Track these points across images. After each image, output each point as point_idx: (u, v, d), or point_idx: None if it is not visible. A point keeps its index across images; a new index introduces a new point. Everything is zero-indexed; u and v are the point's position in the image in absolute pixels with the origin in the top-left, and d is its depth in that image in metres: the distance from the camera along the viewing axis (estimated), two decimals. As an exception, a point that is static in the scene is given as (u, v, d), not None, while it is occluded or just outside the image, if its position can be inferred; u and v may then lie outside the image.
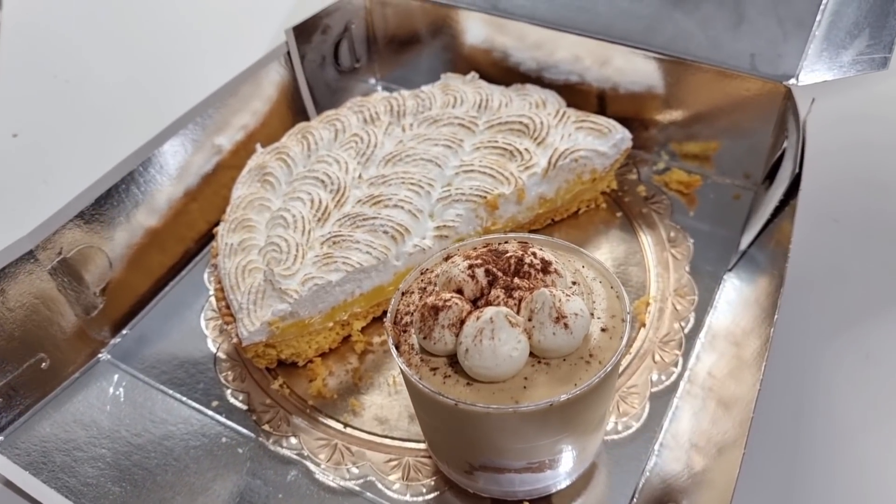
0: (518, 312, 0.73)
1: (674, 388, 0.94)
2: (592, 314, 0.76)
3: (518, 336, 0.70)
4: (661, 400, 0.93)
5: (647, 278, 1.06)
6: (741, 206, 1.15)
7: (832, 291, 1.04)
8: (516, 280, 0.75)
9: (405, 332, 0.78)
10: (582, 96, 1.23)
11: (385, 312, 1.05)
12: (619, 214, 1.16)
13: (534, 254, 0.77)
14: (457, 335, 0.72)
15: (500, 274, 0.75)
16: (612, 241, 1.12)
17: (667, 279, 1.05)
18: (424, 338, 0.73)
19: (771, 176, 1.07)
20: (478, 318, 0.71)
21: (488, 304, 0.73)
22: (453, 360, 0.73)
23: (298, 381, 0.98)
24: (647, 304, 1.02)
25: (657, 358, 0.96)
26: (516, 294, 0.74)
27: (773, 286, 0.95)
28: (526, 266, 0.76)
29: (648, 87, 1.19)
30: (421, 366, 0.74)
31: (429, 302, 0.74)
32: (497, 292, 0.74)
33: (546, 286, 0.75)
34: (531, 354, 0.72)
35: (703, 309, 1.01)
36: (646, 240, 1.11)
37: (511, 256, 0.77)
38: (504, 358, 0.70)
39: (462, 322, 0.72)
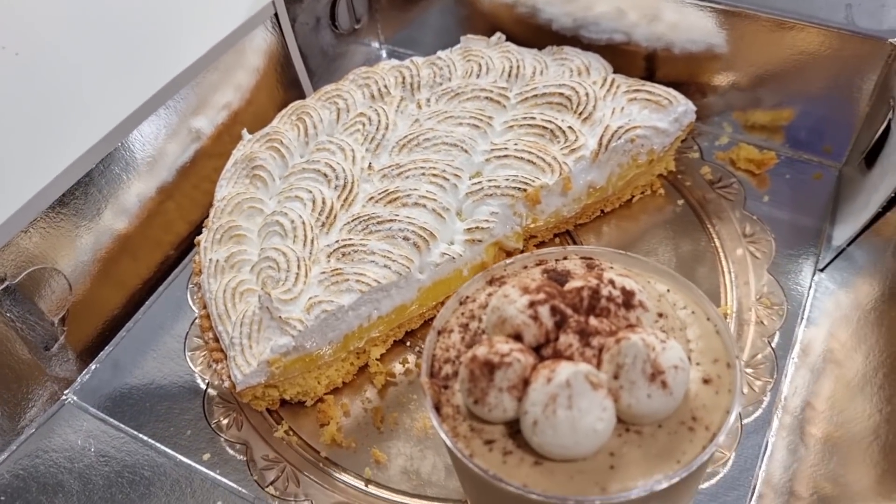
0: (598, 367, 0.55)
1: (766, 422, 0.77)
2: (689, 360, 0.59)
3: (602, 402, 0.53)
4: (753, 439, 0.76)
5: (720, 283, 0.88)
6: (823, 187, 0.97)
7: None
8: (592, 321, 0.57)
9: (447, 388, 0.60)
10: (627, 58, 1.04)
11: (408, 334, 0.88)
12: (680, 202, 0.97)
13: (612, 282, 0.59)
14: (519, 399, 0.55)
15: (570, 312, 0.58)
16: (673, 235, 0.94)
17: (745, 283, 0.87)
18: (476, 402, 0.56)
19: (871, 155, 0.88)
20: (549, 380, 0.53)
21: (557, 354, 0.56)
22: (514, 427, 0.56)
23: (307, 425, 0.81)
24: (725, 315, 0.84)
25: (744, 387, 0.79)
26: (594, 341, 0.56)
27: (879, 289, 0.78)
28: (604, 300, 0.58)
29: (708, 47, 1.00)
30: (471, 437, 0.57)
31: (480, 356, 0.56)
32: (569, 339, 0.56)
33: (630, 325, 0.57)
34: (617, 421, 0.54)
35: (792, 321, 0.84)
36: (715, 233, 0.93)
37: (583, 288, 0.59)
38: (586, 433, 0.53)
39: (526, 382, 0.55)
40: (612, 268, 0.65)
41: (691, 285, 0.64)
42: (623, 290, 0.60)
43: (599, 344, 0.56)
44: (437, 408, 0.59)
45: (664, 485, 0.52)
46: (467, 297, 0.66)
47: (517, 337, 0.57)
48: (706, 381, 0.58)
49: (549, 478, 0.54)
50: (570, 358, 0.55)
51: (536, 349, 0.57)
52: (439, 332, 0.64)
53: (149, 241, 0.96)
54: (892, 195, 0.78)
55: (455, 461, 0.61)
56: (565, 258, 0.68)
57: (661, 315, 0.61)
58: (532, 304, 0.58)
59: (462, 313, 0.65)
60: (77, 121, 1.00)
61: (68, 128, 1.03)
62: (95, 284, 0.89)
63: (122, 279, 0.94)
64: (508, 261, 0.68)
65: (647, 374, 0.54)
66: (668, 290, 0.65)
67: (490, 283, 0.67)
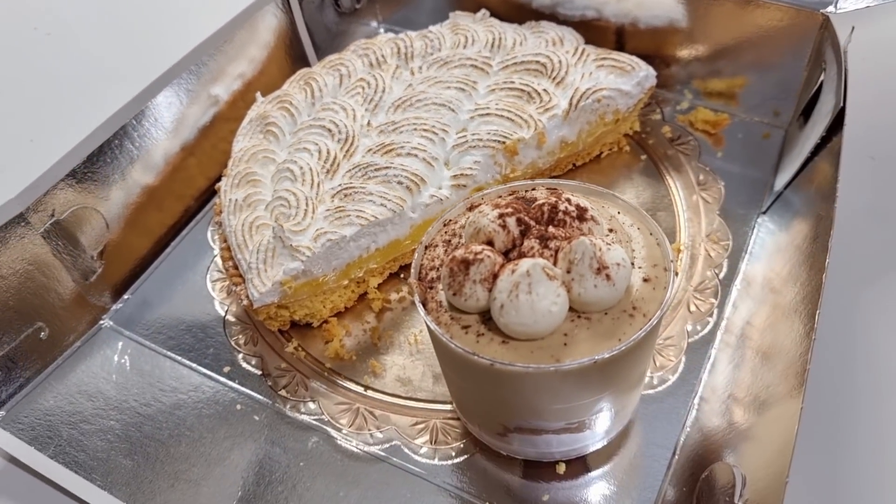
0: (555, 264, 0.67)
1: (710, 338, 0.89)
2: (633, 263, 0.71)
3: (557, 289, 0.65)
4: (698, 352, 0.88)
5: (676, 224, 1.00)
6: (771, 145, 1.09)
7: (873, 233, 0.99)
8: (551, 229, 0.69)
9: (431, 288, 0.72)
10: (599, 33, 1.16)
11: (402, 267, 1.00)
12: (643, 157, 1.10)
13: (568, 200, 0.72)
14: (490, 290, 0.67)
15: (532, 223, 0.70)
16: (637, 185, 1.06)
17: (697, 224, 0.99)
18: (454, 294, 0.68)
19: (806, 112, 1.01)
20: (513, 272, 0.65)
21: (522, 255, 0.68)
22: (486, 316, 0.68)
23: (314, 343, 0.93)
24: (679, 251, 0.97)
25: (692, 308, 0.91)
26: (552, 244, 0.68)
27: (810, 229, 0.90)
28: (560, 213, 0.70)
29: (670, 21, 1.12)
30: (451, 324, 0.69)
31: (458, 255, 0.68)
32: (531, 243, 0.68)
33: (583, 234, 0.69)
34: (570, 309, 0.67)
35: (737, 255, 0.96)
36: (673, 183, 1.05)
37: (544, 204, 0.71)
38: (543, 313, 0.64)
39: (495, 276, 0.67)
40: (574, 195, 0.77)
41: (638, 208, 0.76)
42: (577, 206, 0.72)
43: (556, 247, 0.68)
44: (424, 304, 0.72)
45: (606, 356, 0.64)
46: (450, 220, 0.78)
47: (489, 243, 0.70)
48: (646, 280, 0.70)
49: (513, 353, 0.66)
50: (532, 257, 0.68)
51: (505, 254, 0.70)
52: (426, 247, 0.76)
53: (173, 192, 1.08)
54: (818, 141, 0.90)
55: (439, 346, 0.73)
56: (534, 189, 0.80)
57: (611, 230, 0.73)
58: (501, 216, 0.70)
59: (445, 232, 0.77)
60: (108, 86, 1.13)
61: (100, 93, 1.16)
62: (127, 228, 1.01)
63: (149, 226, 1.05)
64: (486, 191, 0.80)
65: (594, 269, 0.65)
66: (619, 213, 0.77)
67: (469, 209, 0.79)
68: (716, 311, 0.91)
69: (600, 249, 0.66)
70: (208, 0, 1.42)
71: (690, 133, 1.11)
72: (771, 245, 0.96)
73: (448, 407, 0.86)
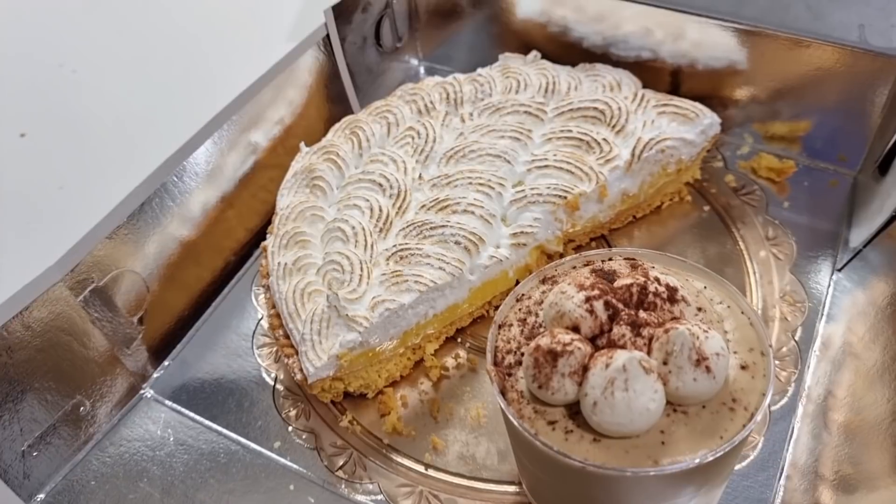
0: (649, 354, 0.62)
1: (791, 409, 0.84)
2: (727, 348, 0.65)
3: (654, 385, 0.60)
4: (779, 425, 0.83)
5: (746, 283, 0.95)
6: (839, 193, 1.04)
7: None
8: (641, 314, 0.64)
9: (510, 375, 0.67)
10: (654, 74, 1.11)
11: (458, 331, 0.95)
12: (706, 208, 1.04)
13: (657, 280, 0.66)
14: (580, 384, 0.62)
15: (621, 307, 0.64)
16: (701, 239, 1.01)
17: (769, 283, 0.94)
18: (540, 387, 0.63)
19: (885, 164, 0.95)
20: (607, 366, 0.60)
21: (612, 344, 0.63)
22: (573, 410, 0.63)
23: (368, 415, 0.88)
24: (752, 313, 0.91)
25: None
26: (644, 332, 0.63)
27: (891, 287, 0.85)
28: (651, 295, 0.65)
29: (730, 63, 1.07)
30: (536, 419, 0.63)
31: (543, 345, 0.63)
32: (622, 330, 0.63)
33: (674, 318, 0.64)
34: (666, 403, 0.61)
35: (813, 317, 0.91)
36: (740, 237, 0.99)
37: (633, 285, 0.66)
38: (640, 412, 0.59)
39: (585, 368, 0.62)
40: (653, 267, 0.72)
41: (725, 282, 0.71)
42: (667, 286, 0.67)
43: (649, 334, 0.63)
44: (503, 393, 0.66)
45: (710, 458, 0.59)
46: (523, 295, 0.73)
47: (575, 329, 0.64)
48: (743, 368, 0.65)
49: (606, 452, 0.61)
50: (623, 346, 0.62)
51: (592, 340, 0.64)
52: (500, 326, 0.71)
53: (212, 246, 1.02)
54: (905, 200, 0.85)
55: (520, 442, 0.68)
56: (610, 259, 0.75)
57: (700, 309, 0.68)
58: (588, 300, 0.65)
59: (520, 309, 0.72)
60: (141, 131, 1.08)
61: (131, 138, 1.10)
62: (164, 288, 0.96)
63: (188, 283, 1.00)
64: (558, 262, 0.75)
65: (693, 360, 0.60)
66: (705, 287, 0.72)
67: (543, 281, 0.74)
68: (794, 381, 0.86)
69: (699, 339, 0.61)
70: (247, 44, 1.37)
71: (754, 182, 1.06)
72: (849, 305, 0.91)
73: (515, 488, 0.80)
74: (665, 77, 1.12)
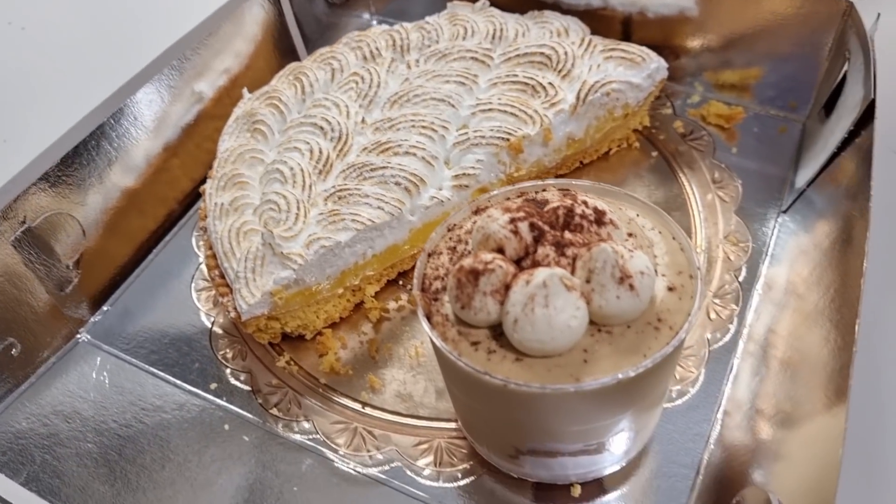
0: (573, 273, 0.61)
1: (732, 347, 0.83)
2: (656, 271, 0.65)
3: (576, 302, 0.59)
4: (719, 362, 0.82)
5: (692, 225, 0.94)
6: (788, 139, 1.03)
7: (897, 231, 0.93)
8: (567, 235, 0.63)
9: (436, 300, 0.66)
10: (605, 23, 1.10)
11: (401, 274, 0.94)
12: (654, 154, 1.04)
13: (584, 203, 0.66)
14: (501, 303, 0.61)
15: (547, 228, 0.64)
16: (648, 184, 1.00)
17: (714, 224, 0.94)
18: (462, 307, 0.62)
19: (828, 105, 0.95)
20: (527, 283, 0.59)
21: (536, 264, 0.62)
22: (497, 331, 0.62)
23: (307, 357, 0.87)
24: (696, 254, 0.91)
25: (712, 314, 0.86)
26: (569, 252, 0.62)
27: (836, 230, 0.85)
28: (577, 217, 0.64)
29: (681, 10, 1.06)
30: (459, 340, 0.63)
31: (466, 265, 0.62)
32: (546, 250, 0.62)
33: (602, 240, 0.63)
34: (590, 322, 0.61)
35: (757, 257, 0.90)
36: (686, 181, 0.99)
37: (559, 207, 0.65)
38: (561, 329, 0.59)
39: (507, 287, 0.61)
40: (591, 197, 0.71)
41: (659, 210, 0.71)
42: (595, 209, 0.66)
43: (573, 254, 0.62)
44: (429, 317, 0.65)
45: (631, 374, 0.58)
46: (455, 225, 0.72)
47: (500, 251, 0.64)
48: (671, 289, 0.64)
49: (528, 371, 0.60)
50: (547, 266, 0.62)
51: (518, 262, 0.63)
52: (429, 255, 0.70)
53: (155, 196, 1.01)
54: (845, 136, 0.85)
55: (446, 367, 0.67)
56: (545, 190, 0.74)
57: (630, 234, 0.67)
58: (513, 221, 0.64)
59: (450, 238, 0.71)
60: (85, 84, 1.06)
61: (78, 91, 1.08)
62: (106, 234, 0.94)
63: (131, 232, 0.99)
64: (492, 193, 0.74)
65: (616, 278, 0.60)
66: (638, 215, 0.71)
67: (475, 212, 0.73)
68: (736, 318, 0.85)
69: (623, 257, 0.60)
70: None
71: (703, 128, 1.05)
72: (793, 247, 0.90)
73: (453, 425, 0.79)
74: (616, 26, 1.11)
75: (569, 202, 0.65)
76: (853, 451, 0.65)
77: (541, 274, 0.59)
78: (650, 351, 0.60)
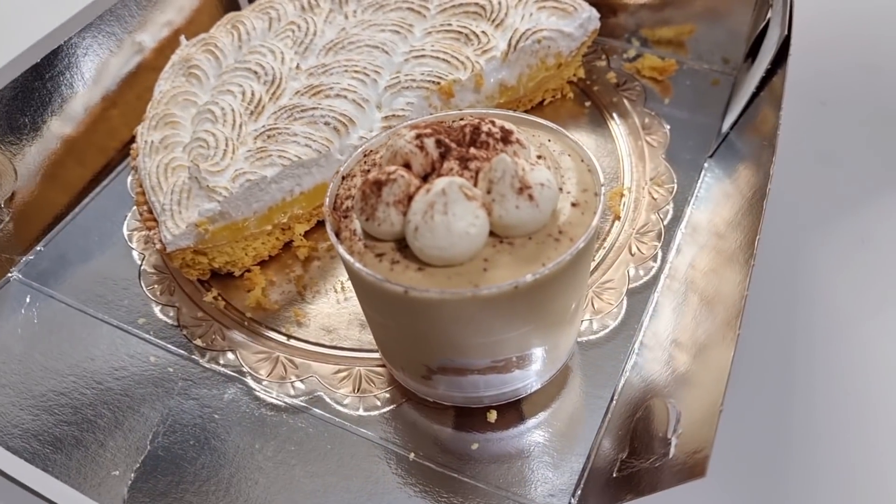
0: (475, 185, 0.62)
1: (653, 282, 0.85)
2: (561, 189, 0.66)
3: (475, 210, 0.60)
4: (640, 296, 0.84)
5: (620, 168, 0.96)
6: (720, 92, 1.05)
7: (821, 177, 0.96)
8: (472, 150, 0.64)
9: (346, 217, 0.67)
10: (544, -21, 1.11)
11: (331, 215, 0.94)
12: (587, 104, 1.05)
13: (492, 122, 0.67)
14: (404, 213, 0.62)
15: (453, 145, 0.65)
16: (580, 131, 1.02)
17: (642, 168, 0.95)
18: (367, 219, 0.63)
19: (753, 52, 0.97)
20: (428, 191, 0.60)
21: (440, 177, 0.63)
22: (402, 244, 0.63)
23: (235, 293, 0.88)
24: (622, 194, 0.92)
25: (634, 251, 0.87)
26: (473, 165, 0.63)
27: (755, 174, 0.86)
28: (484, 135, 0.66)
29: (617, -35, 1.08)
30: (364, 252, 0.64)
31: (370, 178, 0.63)
32: (450, 164, 0.63)
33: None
34: (491, 234, 0.62)
35: (682, 199, 0.92)
36: (617, 129, 1.01)
37: (466, 125, 0.66)
38: (460, 235, 0.60)
39: (410, 198, 0.62)
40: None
41: (568, 135, 0.72)
42: (502, 128, 0.67)
43: (477, 167, 0.63)
44: (338, 234, 0.67)
45: (528, 279, 0.60)
46: (371, 150, 0.73)
47: (406, 166, 0.65)
48: (574, 205, 0.65)
49: (430, 279, 0.61)
50: (450, 178, 0.63)
51: (424, 179, 0.65)
52: (343, 178, 0.71)
53: (94, 144, 1.02)
54: (763, 75, 0.86)
55: (353, 277, 0.68)
56: (462, 119, 0.75)
57: (540, 157, 0.68)
58: (419, 136, 0.65)
59: (365, 162, 0.72)
60: (19, 26, 1.06)
61: (9, 33, 1.08)
62: (44, 181, 0.95)
63: (69, 180, 1.00)
64: (410, 122, 0.75)
65: (516, 188, 0.61)
66: (549, 140, 0.73)
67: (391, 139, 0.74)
68: (659, 255, 0.87)
69: (523, 168, 0.61)
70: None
71: (637, 79, 1.07)
72: (717, 191, 0.92)
73: (374, 355, 0.80)
74: (554, -18, 1.12)
75: (476, 121, 0.67)
76: (743, 367, 0.68)
77: (440, 182, 0.60)
78: (549, 260, 0.61)
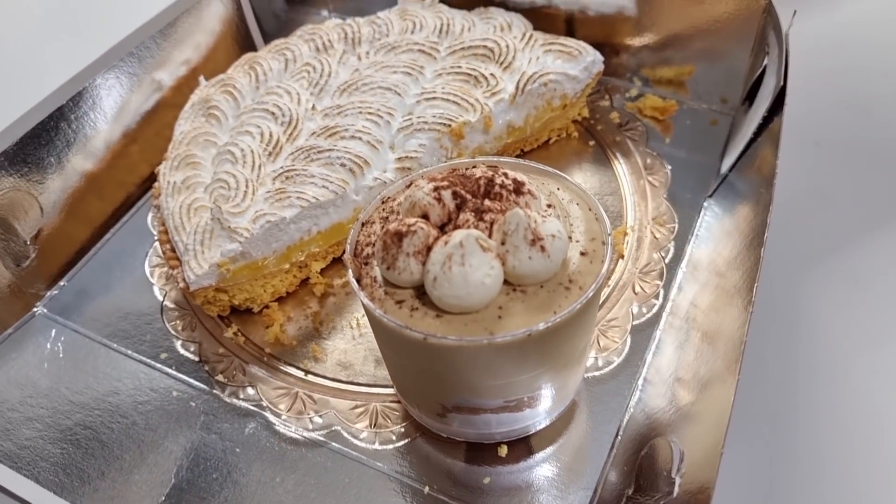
0: (490, 236, 0.66)
1: (656, 320, 0.88)
2: (570, 237, 0.70)
3: (491, 261, 0.64)
4: (643, 333, 0.87)
5: (623, 208, 0.99)
6: (719, 131, 1.09)
7: (816, 217, 1.00)
8: (487, 202, 0.68)
9: (367, 264, 0.71)
10: (549, 20, 1.16)
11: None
12: (591, 143, 1.09)
13: (505, 174, 0.71)
14: (423, 263, 0.65)
15: (468, 196, 0.69)
16: (585, 170, 1.06)
17: (644, 208, 0.99)
18: (388, 268, 0.66)
19: (751, 96, 1.01)
20: (446, 243, 0.64)
21: (457, 229, 0.66)
22: (420, 291, 0.67)
23: (254, 329, 0.91)
24: (625, 233, 0.96)
25: (637, 289, 0.91)
26: (487, 217, 0.67)
27: (754, 213, 0.90)
28: (497, 187, 0.69)
29: (619, 9, 1.12)
30: (385, 299, 0.67)
31: (391, 229, 0.67)
32: (466, 216, 0.67)
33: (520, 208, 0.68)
34: (505, 282, 0.65)
35: (683, 238, 0.96)
36: (621, 168, 1.04)
37: (480, 177, 0.70)
38: (476, 285, 0.63)
39: (429, 249, 0.65)
40: (513, 171, 0.76)
41: (577, 184, 0.76)
42: (514, 180, 0.71)
43: (491, 219, 0.67)
44: (359, 280, 0.70)
45: (541, 327, 0.63)
46: (389, 198, 0.77)
47: (425, 216, 0.68)
48: (583, 254, 0.69)
49: (447, 326, 0.64)
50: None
51: (441, 228, 0.68)
52: (363, 224, 0.75)
53: (114, 179, 1.05)
54: (760, 122, 0.90)
55: (373, 322, 0.71)
56: (474, 167, 0.79)
57: (549, 205, 0.72)
58: (437, 189, 0.69)
59: (383, 209, 0.75)
60: (46, 70, 1.10)
61: (37, 75, 1.12)
62: (66, 215, 0.98)
63: (90, 214, 1.03)
64: (426, 169, 0.79)
65: (528, 240, 0.64)
66: (559, 189, 0.77)
67: (408, 186, 0.78)
68: (661, 293, 0.90)
69: (535, 221, 0.65)
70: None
71: (639, 120, 1.11)
72: (717, 229, 0.96)
73: (389, 390, 0.84)
74: (559, 24, 1.16)
75: (490, 173, 0.70)
76: (745, 404, 0.71)
77: (458, 235, 0.64)
78: (560, 308, 0.65)
